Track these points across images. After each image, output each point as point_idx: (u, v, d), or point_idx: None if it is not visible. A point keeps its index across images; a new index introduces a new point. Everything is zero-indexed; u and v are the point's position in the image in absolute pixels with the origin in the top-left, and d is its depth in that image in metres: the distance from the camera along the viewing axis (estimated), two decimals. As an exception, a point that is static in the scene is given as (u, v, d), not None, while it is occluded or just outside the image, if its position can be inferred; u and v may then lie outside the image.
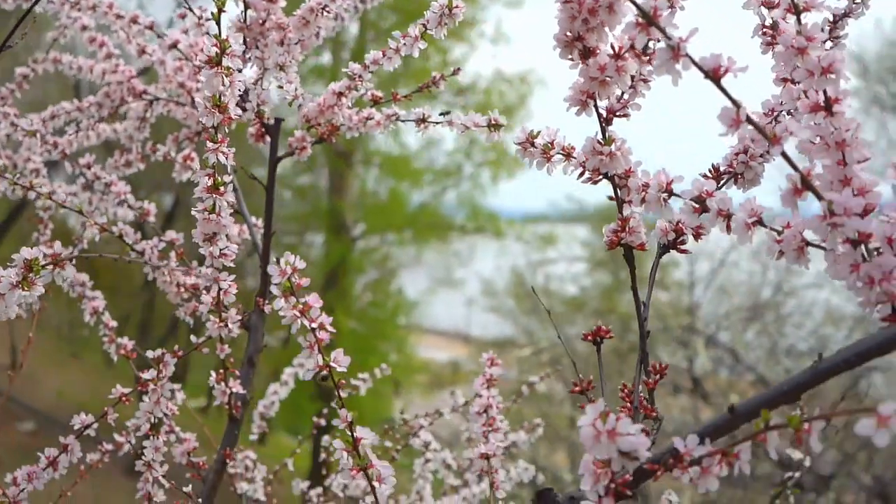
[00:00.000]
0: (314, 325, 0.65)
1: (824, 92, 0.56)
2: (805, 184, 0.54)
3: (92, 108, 1.24)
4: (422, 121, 1.01)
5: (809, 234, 0.57)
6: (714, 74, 0.53)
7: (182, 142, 1.24)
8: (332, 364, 0.66)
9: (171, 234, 1.09)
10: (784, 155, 0.53)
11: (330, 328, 0.66)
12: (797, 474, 1.12)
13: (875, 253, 0.54)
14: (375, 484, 0.68)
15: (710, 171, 0.72)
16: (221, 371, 1.00)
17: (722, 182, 0.72)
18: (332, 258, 11.27)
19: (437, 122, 1.01)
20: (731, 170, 0.71)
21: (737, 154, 0.71)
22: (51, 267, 0.68)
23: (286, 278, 0.64)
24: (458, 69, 1.07)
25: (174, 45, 1.09)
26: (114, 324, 1.13)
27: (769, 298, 7.65)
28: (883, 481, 5.98)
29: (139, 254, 1.06)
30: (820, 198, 0.53)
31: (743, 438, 0.51)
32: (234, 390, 1.01)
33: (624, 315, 8.87)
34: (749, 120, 0.53)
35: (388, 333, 11.44)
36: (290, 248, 11.87)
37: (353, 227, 11.96)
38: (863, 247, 0.55)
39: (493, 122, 0.88)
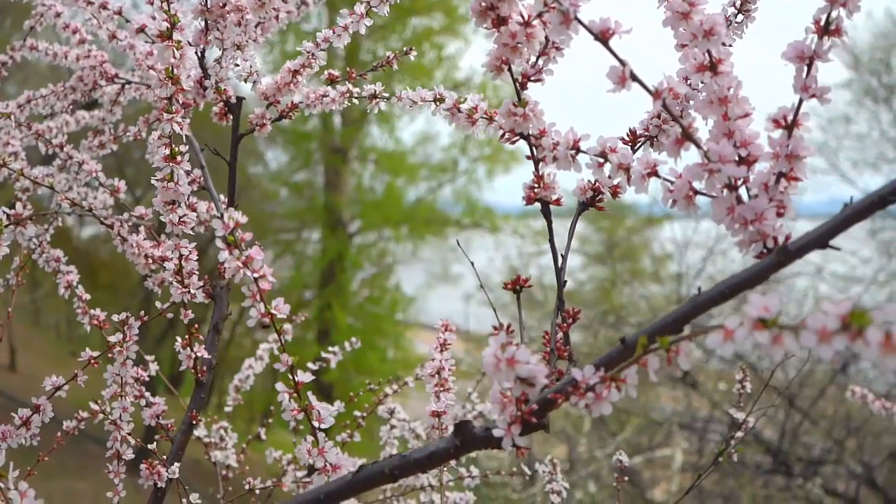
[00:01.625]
0: (257, 276, 0.71)
1: (708, 52, 0.61)
2: (686, 135, 0.59)
3: (66, 91, 1.29)
4: (373, 97, 1.07)
5: (698, 185, 0.63)
6: (602, 36, 0.58)
7: (153, 123, 1.29)
8: (273, 311, 0.71)
9: (140, 210, 1.15)
10: (666, 108, 0.59)
11: (271, 278, 0.71)
12: (740, 434, 1.17)
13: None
14: (315, 423, 0.73)
15: (627, 134, 0.77)
16: (187, 336, 1.05)
17: (639, 144, 0.77)
18: (328, 254, 11.33)
19: (387, 98, 1.06)
20: (646, 133, 0.77)
21: (652, 118, 0.76)
22: (13, 227, 0.73)
23: (229, 232, 0.70)
24: (411, 49, 1.12)
25: (142, 30, 1.14)
26: (87, 296, 1.19)
27: (760, 288, 7.72)
28: (871, 467, 6.04)
29: (108, 227, 1.11)
30: (699, 147, 0.59)
31: (626, 363, 0.56)
32: (199, 355, 1.06)
33: (618, 307, 8.93)
34: (633, 77, 0.58)
35: (385, 329, 11.48)
36: (286, 244, 11.94)
37: (350, 224, 12.02)
38: (745, 192, 0.61)
39: (437, 97, 0.94)
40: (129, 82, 1.29)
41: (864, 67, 9.46)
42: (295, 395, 0.73)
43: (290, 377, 0.73)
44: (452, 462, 1.43)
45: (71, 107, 1.31)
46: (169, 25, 0.81)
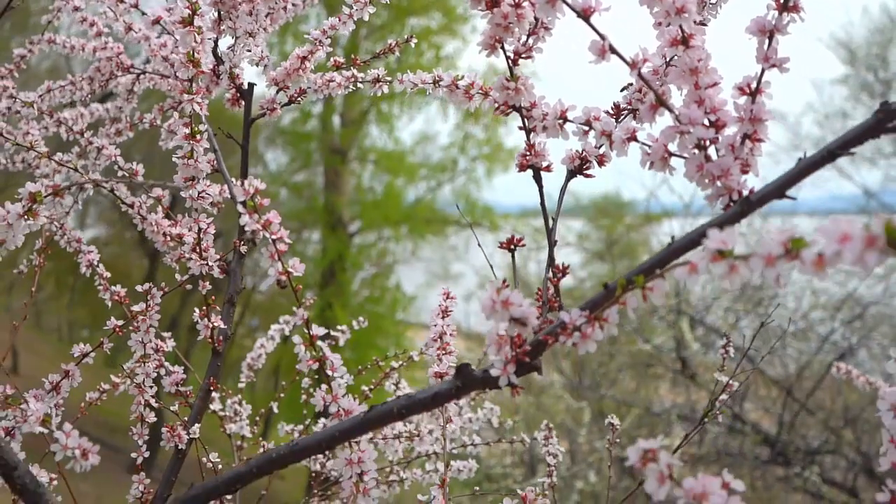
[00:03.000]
0: (275, 238, 0.78)
1: (681, 28, 0.68)
2: (659, 101, 0.66)
3: (84, 82, 1.36)
4: (377, 80, 1.14)
5: (673, 147, 0.70)
6: (584, 13, 0.65)
7: (167, 111, 1.36)
8: (290, 270, 0.78)
9: (157, 192, 1.21)
10: (641, 77, 0.66)
11: (288, 240, 0.78)
12: (724, 396, 1.24)
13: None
14: (329, 372, 0.80)
15: (612, 107, 0.84)
16: (204, 308, 1.12)
17: (622, 116, 0.84)
18: (329, 254, 11.40)
19: (389, 81, 1.13)
20: (629, 106, 0.83)
21: (634, 92, 0.83)
22: (51, 197, 0.80)
23: (249, 197, 0.77)
24: (412, 37, 1.19)
25: (157, 22, 1.22)
26: (107, 274, 1.26)
27: (758, 282, 7.81)
28: (869, 457, 6.11)
29: (129, 206, 1.18)
30: (671, 111, 0.66)
31: (608, 303, 0.63)
32: (216, 325, 1.13)
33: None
34: (612, 50, 0.65)
35: (386, 329, 11.55)
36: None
37: (350, 224, 12.10)
38: (714, 153, 0.68)
39: (436, 79, 1.01)
40: (144, 72, 1.36)
41: (860, 63, 9.53)
42: (310, 346, 0.80)
43: (306, 330, 0.80)
44: (458, 431, 1.51)
45: (89, 97, 1.38)
46: (190, 12, 0.88)
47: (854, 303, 7.24)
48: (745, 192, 0.65)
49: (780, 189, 0.62)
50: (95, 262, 1.27)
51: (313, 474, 1.49)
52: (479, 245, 0.95)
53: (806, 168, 0.61)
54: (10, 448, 0.74)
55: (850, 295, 7.33)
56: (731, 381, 1.25)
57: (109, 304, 1.24)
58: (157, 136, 1.59)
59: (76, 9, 1.36)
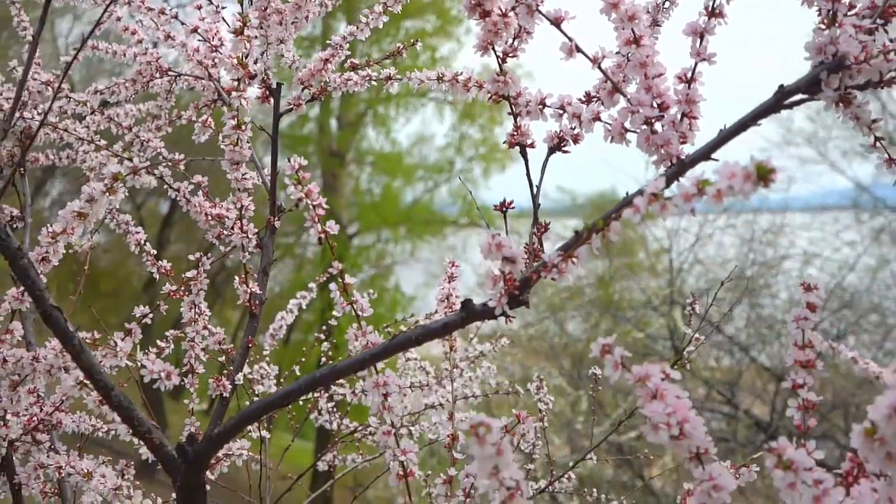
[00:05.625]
0: (315, 204, 0.97)
1: (633, 31, 0.87)
2: (615, 88, 0.85)
3: (127, 84, 1.55)
4: (388, 78, 1.33)
5: (628, 124, 0.89)
6: (556, 21, 0.84)
7: (202, 108, 1.55)
8: (327, 229, 0.97)
9: (197, 178, 1.40)
10: (601, 70, 0.85)
11: (325, 205, 0.97)
12: (691, 347, 1.43)
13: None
14: (359, 312, 0.99)
15: (584, 95, 1.03)
16: (243, 275, 1.31)
17: (593, 102, 1.03)
18: (328, 257, 11.59)
19: (399, 79, 1.32)
20: (597, 94, 1.02)
21: (601, 82, 1.02)
22: (131, 175, 0.99)
23: (294, 172, 0.96)
24: (417, 40, 1.39)
25: (195, 30, 1.40)
26: (154, 252, 1.44)
27: (752, 273, 8.03)
28: (858, 440, 6.30)
29: (175, 190, 1.37)
30: (624, 96, 0.85)
31: (577, 244, 0.82)
32: (253, 290, 1.32)
33: (614, 303, 9.21)
34: (578, 49, 0.84)
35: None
36: (287, 247, 12.20)
37: (349, 226, 12.28)
38: (660, 127, 0.87)
39: (440, 76, 1.20)
40: (180, 74, 1.55)
41: (850, 58, 9.68)
42: (344, 292, 0.99)
43: (340, 280, 0.99)
44: (460, 389, 1.69)
45: (132, 97, 1.56)
46: (241, 24, 1.07)
47: (844, 293, 7.46)
48: (683, 157, 0.84)
49: (705, 154, 0.81)
50: (143, 242, 1.46)
51: (333, 431, 1.67)
52: (487, 226, 1.14)
53: (725, 136, 0.80)
54: (106, 374, 0.93)
55: (839, 285, 7.55)
56: (696, 336, 1.43)
57: (157, 276, 1.42)
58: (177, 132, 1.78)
59: (119, 19, 1.55)
